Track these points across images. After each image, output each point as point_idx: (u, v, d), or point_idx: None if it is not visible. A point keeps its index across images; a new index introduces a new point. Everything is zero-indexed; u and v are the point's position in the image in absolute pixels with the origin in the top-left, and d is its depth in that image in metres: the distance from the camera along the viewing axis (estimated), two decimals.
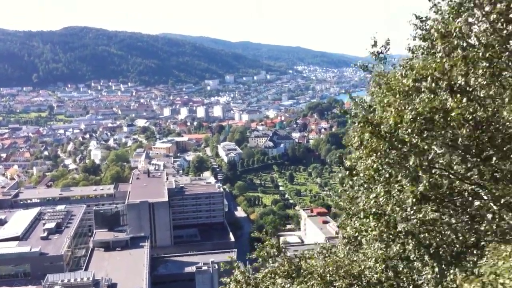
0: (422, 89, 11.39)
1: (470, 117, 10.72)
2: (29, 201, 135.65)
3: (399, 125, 11.12)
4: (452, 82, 11.15)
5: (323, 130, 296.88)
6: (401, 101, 11.46)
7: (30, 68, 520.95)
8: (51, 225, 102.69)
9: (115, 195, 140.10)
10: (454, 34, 11.08)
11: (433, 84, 11.36)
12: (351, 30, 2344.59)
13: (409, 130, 11.00)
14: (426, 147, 11.08)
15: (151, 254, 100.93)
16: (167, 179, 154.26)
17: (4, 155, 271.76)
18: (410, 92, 11.55)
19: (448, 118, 10.87)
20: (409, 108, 11.16)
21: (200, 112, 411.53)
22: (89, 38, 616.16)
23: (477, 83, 10.97)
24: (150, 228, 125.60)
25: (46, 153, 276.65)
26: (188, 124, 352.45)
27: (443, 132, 11.14)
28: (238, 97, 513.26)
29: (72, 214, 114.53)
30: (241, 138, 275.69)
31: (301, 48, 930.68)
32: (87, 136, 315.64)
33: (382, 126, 11.30)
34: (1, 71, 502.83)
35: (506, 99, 10.85)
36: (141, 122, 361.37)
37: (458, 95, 10.94)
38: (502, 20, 10.43)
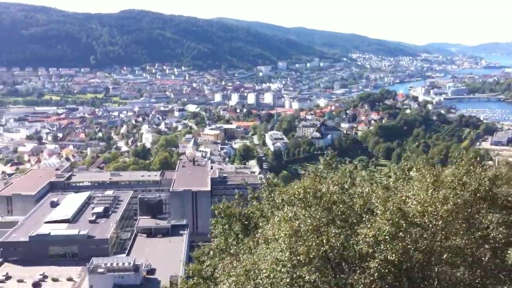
0: None
1: None
2: (80, 184, 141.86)
3: None
4: None
5: (372, 121, 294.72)
6: None
7: (88, 50, 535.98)
8: (99, 209, 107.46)
9: (161, 181, 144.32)
10: None
11: None
12: (409, 18, 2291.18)
13: None
14: None
15: (191, 241, 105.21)
16: (211, 168, 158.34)
17: (60, 134, 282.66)
18: None
19: None
20: None
21: (251, 98, 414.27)
22: (145, 21, 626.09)
23: None
24: (192, 216, 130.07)
25: (100, 134, 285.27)
26: (238, 111, 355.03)
27: None
28: (289, 84, 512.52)
29: (119, 199, 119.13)
30: (288, 127, 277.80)
31: (356, 35, 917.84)
32: (140, 119, 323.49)
33: None
34: (60, 52, 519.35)
35: None
36: (191, 107, 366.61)
37: None
38: None
